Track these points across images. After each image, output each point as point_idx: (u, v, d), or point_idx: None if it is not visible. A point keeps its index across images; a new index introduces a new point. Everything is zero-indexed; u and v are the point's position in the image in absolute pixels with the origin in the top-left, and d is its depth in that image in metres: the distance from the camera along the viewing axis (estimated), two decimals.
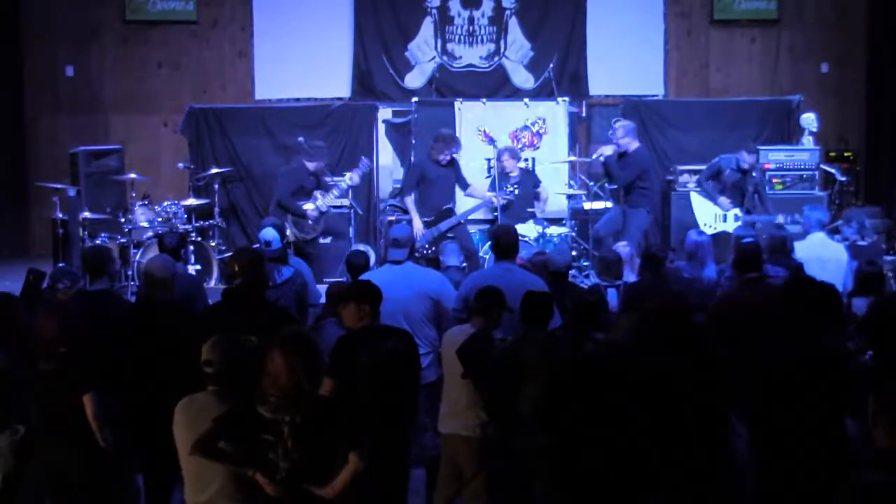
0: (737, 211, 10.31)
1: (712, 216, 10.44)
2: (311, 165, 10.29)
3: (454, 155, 10.26)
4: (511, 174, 10.53)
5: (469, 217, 10.39)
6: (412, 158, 11.60)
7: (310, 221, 10.19)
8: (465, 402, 5.52)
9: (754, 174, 10.31)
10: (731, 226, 10.28)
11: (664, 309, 4.84)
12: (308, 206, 10.18)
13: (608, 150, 10.29)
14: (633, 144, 10.26)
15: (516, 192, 10.26)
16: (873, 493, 3.49)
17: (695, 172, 11.11)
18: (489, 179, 10.98)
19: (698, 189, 10.70)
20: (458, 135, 11.36)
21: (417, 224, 9.93)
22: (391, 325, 5.55)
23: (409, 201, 10.15)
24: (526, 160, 11.32)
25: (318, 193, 10.29)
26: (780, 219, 10.29)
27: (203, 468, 4.36)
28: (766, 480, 4.62)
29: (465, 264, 8.84)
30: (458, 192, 10.66)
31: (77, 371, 5.14)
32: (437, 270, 7.34)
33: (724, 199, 10.33)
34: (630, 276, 7.88)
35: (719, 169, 10.47)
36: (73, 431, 5.17)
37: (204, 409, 4.37)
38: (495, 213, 10.21)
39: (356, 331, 5.37)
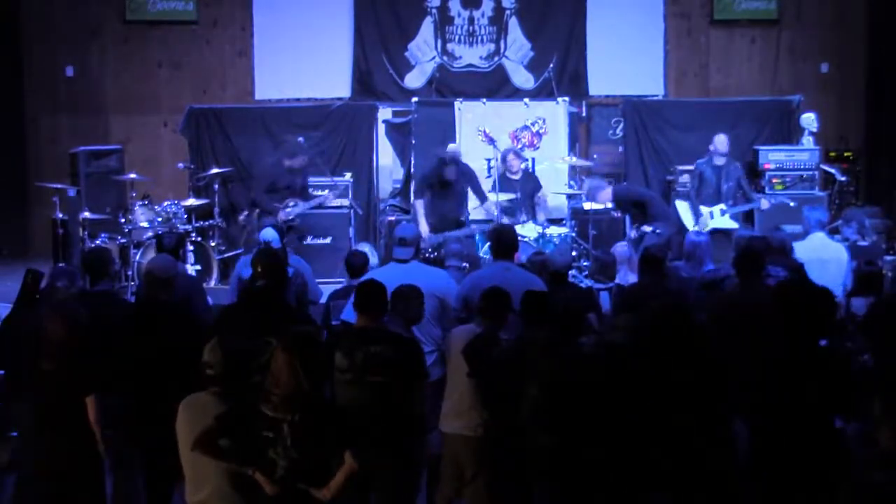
0: (722, 206, 10.34)
1: (693, 220, 10.49)
2: (287, 162, 10.24)
3: (458, 167, 10.14)
4: (515, 176, 10.53)
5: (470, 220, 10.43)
6: (412, 160, 11.61)
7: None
8: (469, 402, 5.52)
9: (731, 168, 10.37)
10: (720, 222, 10.29)
11: (666, 309, 4.84)
12: (281, 213, 10.06)
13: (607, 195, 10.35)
14: (606, 194, 10.26)
15: (523, 218, 10.27)
16: (877, 493, 3.49)
17: None
18: (490, 179, 10.97)
19: (686, 200, 10.71)
20: (457, 135, 11.39)
21: (423, 227, 9.90)
22: (390, 330, 5.52)
23: (419, 204, 10.10)
24: (525, 160, 11.33)
25: (290, 201, 10.15)
26: (765, 203, 10.31)
27: (199, 468, 4.37)
28: (763, 480, 4.62)
29: (465, 265, 8.84)
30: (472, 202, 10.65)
31: (80, 372, 5.15)
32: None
33: (704, 218, 10.35)
34: (630, 276, 7.87)
35: (700, 174, 10.51)
36: (73, 432, 5.18)
37: (206, 408, 4.38)
38: (495, 213, 10.21)
39: (341, 331, 5.41)
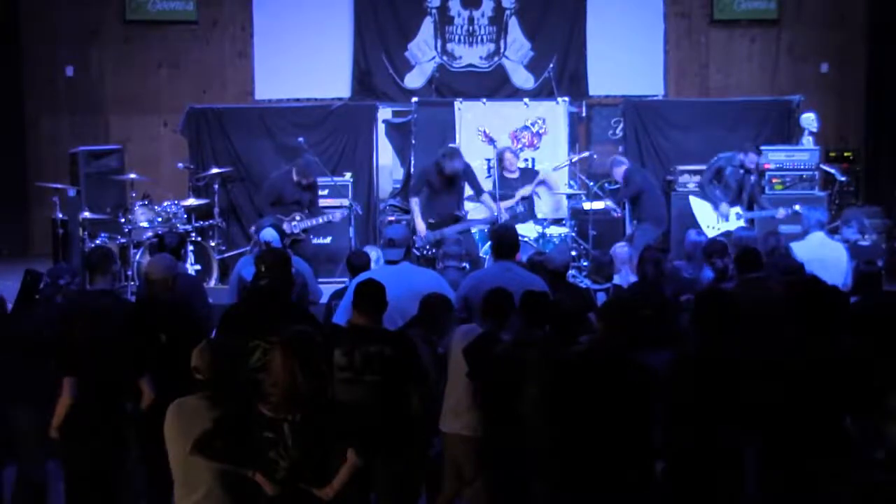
0: (738, 209, 10.31)
1: (713, 217, 10.40)
2: (296, 177, 9.91)
3: (457, 168, 10.12)
4: (512, 175, 10.52)
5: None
6: (412, 160, 11.60)
7: None
8: (469, 402, 5.51)
9: (753, 176, 10.37)
10: (734, 225, 10.27)
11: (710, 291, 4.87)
12: (285, 224, 9.87)
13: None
14: (619, 171, 10.47)
15: (520, 209, 10.24)
16: (882, 491, 3.49)
17: (695, 173, 11.10)
18: (489, 179, 10.97)
19: (698, 193, 10.67)
20: (457, 135, 11.39)
21: (420, 225, 9.87)
22: (388, 330, 5.51)
23: (414, 202, 10.06)
24: (526, 160, 11.33)
25: (297, 215, 9.92)
26: (781, 212, 10.29)
27: (191, 472, 4.36)
28: (767, 478, 4.62)
29: (465, 264, 8.83)
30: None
31: (134, 354, 5.50)
32: (434, 270, 7.34)
33: (725, 206, 10.31)
34: (631, 277, 7.87)
35: (720, 168, 10.46)
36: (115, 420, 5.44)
37: (196, 412, 4.37)
38: (496, 214, 10.19)
39: (339, 331, 5.46)
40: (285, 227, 9.81)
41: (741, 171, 10.33)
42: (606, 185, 11.43)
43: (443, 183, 9.97)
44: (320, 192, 10.52)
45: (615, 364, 4.62)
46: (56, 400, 5.76)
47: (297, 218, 9.92)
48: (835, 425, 4.46)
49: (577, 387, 4.62)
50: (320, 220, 10.11)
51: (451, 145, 10.68)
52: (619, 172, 10.50)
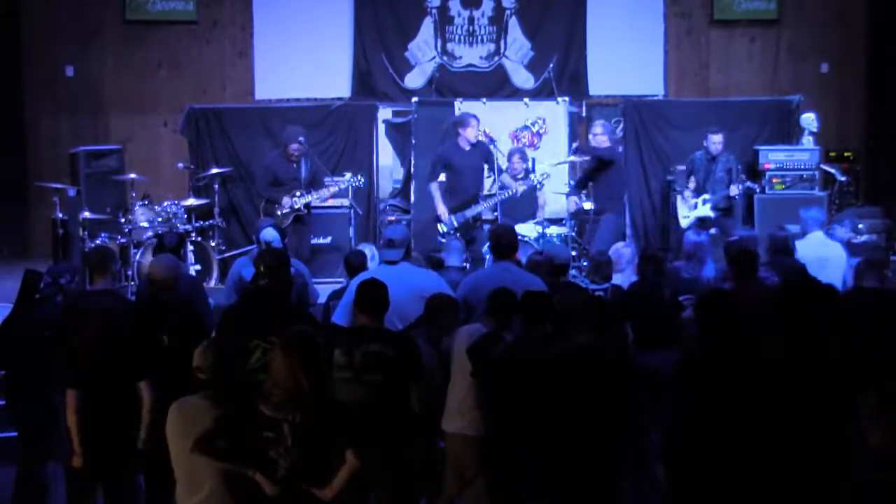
0: (706, 196, 10.39)
1: (686, 209, 10.59)
2: (285, 147, 10.20)
3: (479, 136, 10.11)
4: (518, 176, 10.54)
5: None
6: (412, 160, 11.60)
7: (279, 212, 10.02)
8: (472, 402, 5.51)
9: (722, 158, 10.42)
10: (701, 211, 10.35)
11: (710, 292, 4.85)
12: (285, 198, 10.10)
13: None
14: (604, 144, 10.47)
15: (521, 188, 10.24)
16: (877, 491, 3.49)
17: None
18: (489, 179, 10.96)
19: (680, 193, 10.75)
20: None
21: (441, 209, 9.90)
22: (389, 330, 5.52)
23: (434, 188, 10.09)
24: (526, 161, 11.31)
25: (298, 191, 10.15)
26: (734, 189, 10.29)
27: (194, 471, 4.36)
28: (763, 479, 4.63)
29: (466, 265, 8.82)
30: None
31: (135, 357, 5.51)
32: (435, 271, 7.33)
33: (691, 200, 10.47)
34: (633, 277, 7.87)
35: (693, 167, 10.53)
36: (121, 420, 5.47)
37: (198, 412, 4.38)
38: (495, 214, 10.19)
39: (339, 330, 5.49)
40: (285, 201, 9.94)
41: (709, 161, 10.44)
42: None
43: (463, 159, 9.96)
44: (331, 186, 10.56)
45: (616, 363, 4.63)
46: (57, 399, 5.77)
47: (298, 193, 10.16)
48: (828, 427, 4.45)
49: (577, 385, 4.63)
50: (324, 192, 10.31)
51: (459, 114, 10.63)
52: (601, 141, 10.44)
